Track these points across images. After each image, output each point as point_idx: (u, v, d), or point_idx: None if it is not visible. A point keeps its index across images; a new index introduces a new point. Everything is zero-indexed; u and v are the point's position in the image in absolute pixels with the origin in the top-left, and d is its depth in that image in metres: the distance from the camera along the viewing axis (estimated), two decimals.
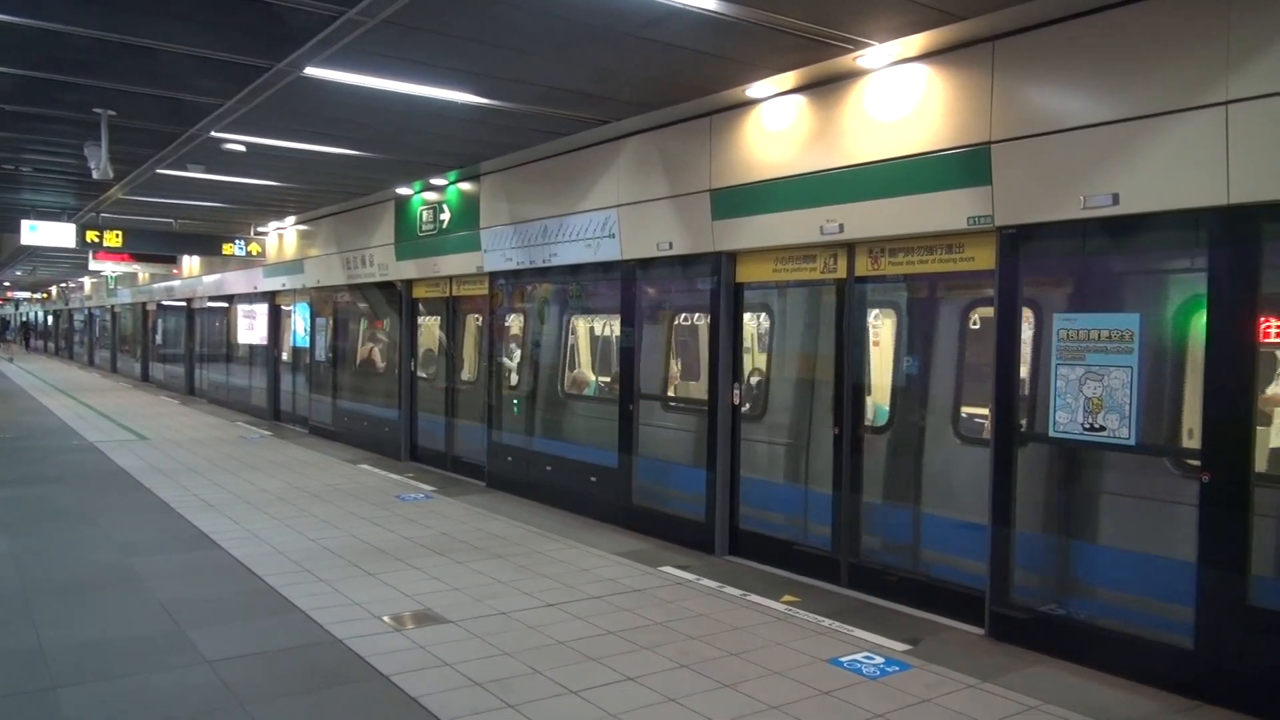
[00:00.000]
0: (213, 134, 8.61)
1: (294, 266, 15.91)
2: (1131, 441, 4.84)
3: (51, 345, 50.66)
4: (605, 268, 8.71)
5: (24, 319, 59.38)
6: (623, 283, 8.51)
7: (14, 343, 42.59)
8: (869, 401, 6.54)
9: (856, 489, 6.50)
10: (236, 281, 18.89)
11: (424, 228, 11.70)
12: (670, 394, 8.47)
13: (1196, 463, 4.60)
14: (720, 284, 7.41)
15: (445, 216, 11.20)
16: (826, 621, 5.73)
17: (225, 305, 20.25)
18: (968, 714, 4.41)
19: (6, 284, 43.77)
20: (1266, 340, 4.44)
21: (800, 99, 6.63)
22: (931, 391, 6.30)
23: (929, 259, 6.01)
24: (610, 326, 9.04)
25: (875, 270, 6.35)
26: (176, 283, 23.35)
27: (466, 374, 11.66)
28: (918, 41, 5.56)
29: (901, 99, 5.93)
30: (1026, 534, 5.40)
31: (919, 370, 6.36)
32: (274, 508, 8.95)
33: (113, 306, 32.07)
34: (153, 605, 5.85)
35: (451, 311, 11.75)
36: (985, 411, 5.72)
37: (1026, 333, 5.45)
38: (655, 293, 8.44)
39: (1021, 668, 5.01)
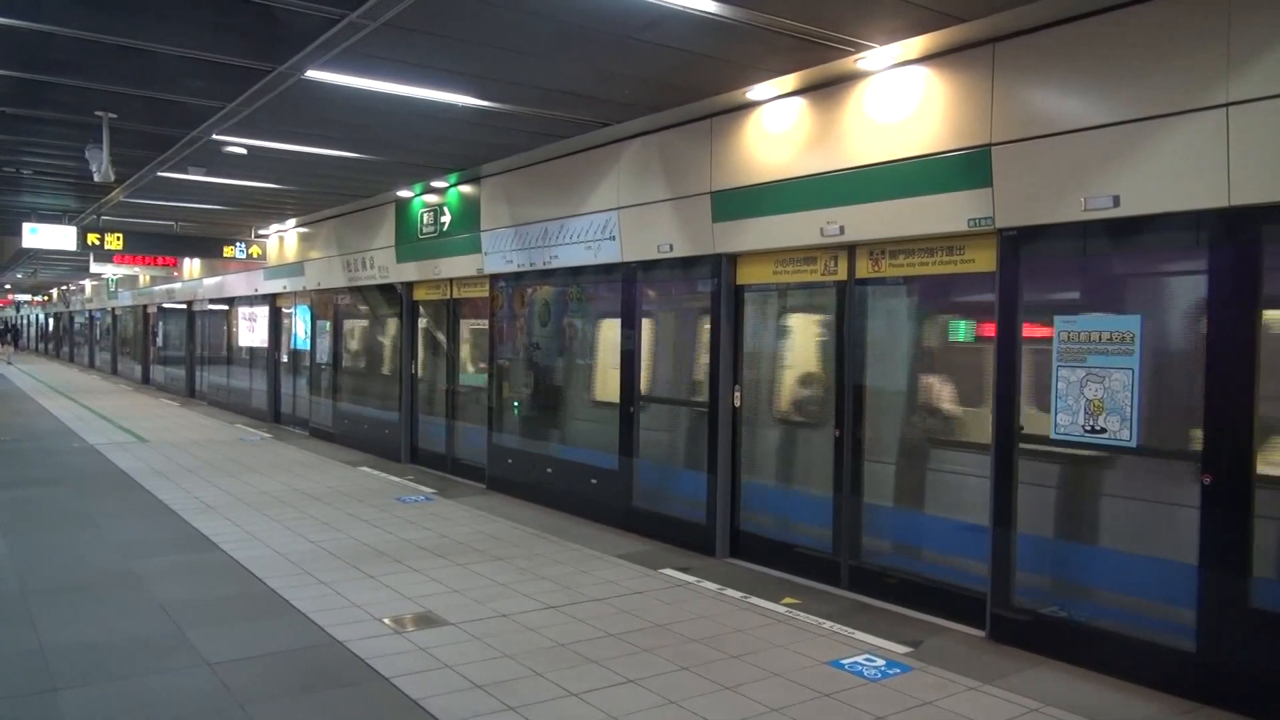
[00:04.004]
0: (214, 137, 8.61)
1: (294, 269, 15.92)
2: (1132, 443, 4.84)
3: (50, 347, 50.67)
4: (606, 270, 8.71)
5: (12, 322, 59.25)
6: (623, 284, 8.51)
7: (7, 345, 42.48)
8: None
9: (857, 491, 6.49)
10: (237, 284, 18.90)
11: (424, 230, 11.71)
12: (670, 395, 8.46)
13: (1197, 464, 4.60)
14: (721, 286, 7.41)
15: (446, 219, 11.21)
16: (827, 624, 5.73)
17: (226, 308, 20.26)
18: (969, 716, 4.40)
19: (7, 287, 43.80)
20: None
21: (801, 101, 6.64)
22: None
23: (929, 261, 6.02)
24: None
25: (876, 272, 6.35)
26: (177, 285, 23.37)
27: (467, 375, 11.66)
28: (918, 44, 5.56)
29: (902, 101, 5.93)
30: (1027, 536, 5.40)
31: None
32: (274, 510, 8.95)
33: (113, 309, 32.10)
34: (152, 607, 5.85)
35: (452, 314, 11.76)
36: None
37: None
38: (656, 294, 8.45)
39: (1022, 670, 5.01)
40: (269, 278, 17.08)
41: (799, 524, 7.06)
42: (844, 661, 5.07)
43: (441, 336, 12.14)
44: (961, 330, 6.20)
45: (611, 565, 7.12)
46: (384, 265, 12.80)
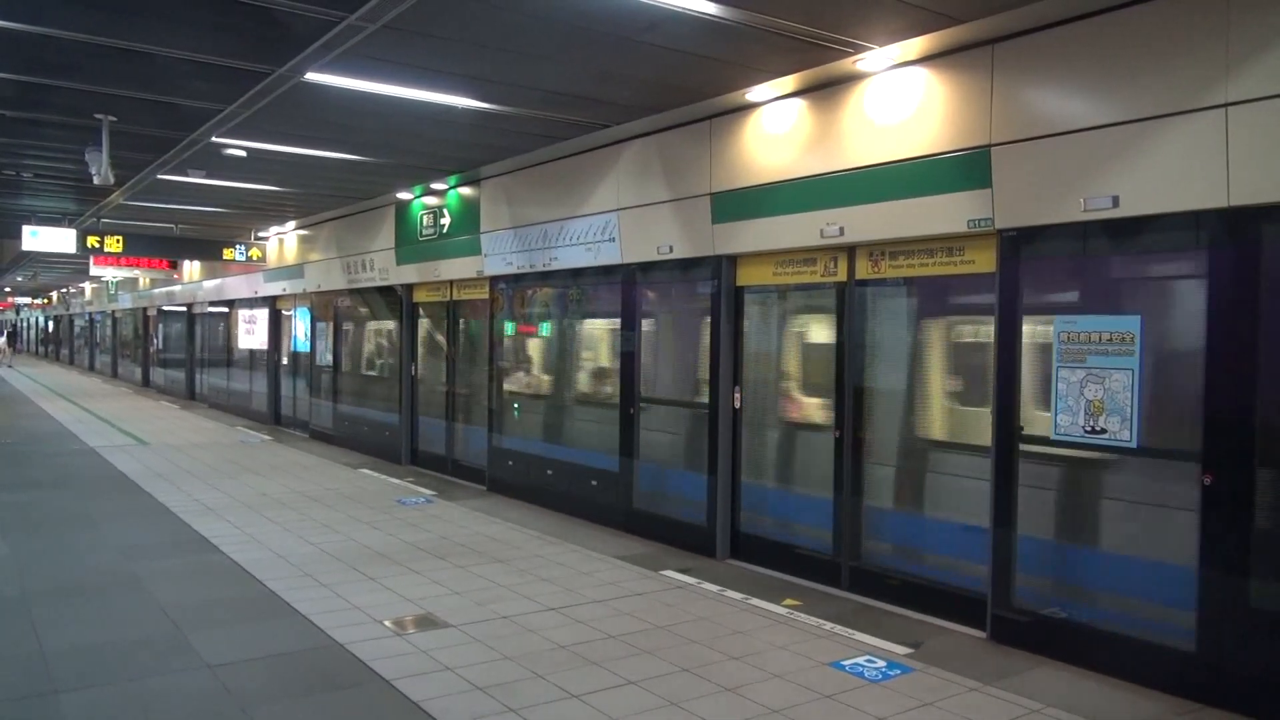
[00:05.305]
0: (213, 139, 8.62)
1: (294, 271, 15.93)
2: (1133, 444, 4.84)
3: (50, 350, 50.63)
4: (605, 271, 8.71)
5: (11, 326, 59.33)
6: (623, 286, 8.51)
7: (7, 348, 42.32)
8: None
9: (857, 492, 6.49)
10: (237, 286, 18.90)
11: (424, 232, 11.71)
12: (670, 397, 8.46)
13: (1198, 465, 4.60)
14: (721, 287, 7.41)
15: (445, 220, 11.21)
16: (828, 625, 5.73)
17: (226, 310, 20.26)
18: (970, 717, 4.40)
19: (7, 290, 43.78)
20: None
21: (800, 102, 6.64)
22: None
23: (929, 261, 6.02)
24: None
25: (876, 273, 6.35)
26: (177, 288, 23.37)
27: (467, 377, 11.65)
28: (917, 45, 5.56)
29: (901, 102, 5.93)
30: (1028, 537, 5.39)
31: None
32: (274, 512, 8.95)
33: (113, 311, 32.10)
34: (153, 609, 5.84)
35: (452, 315, 11.76)
36: None
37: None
38: (656, 296, 8.45)
39: (1023, 670, 5.01)
40: (269, 280, 17.08)
41: (799, 525, 7.06)
42: (845, 663, 5.07)
43: (441, 338, 12.14)
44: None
45: (612, 567, 7.12)
46: (384, 267, 12.80)
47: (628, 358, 8.46)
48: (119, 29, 5.72)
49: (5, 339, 42.81)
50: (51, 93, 7.26)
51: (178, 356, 24.25)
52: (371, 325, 14.05)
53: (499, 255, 10.14)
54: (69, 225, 14.65)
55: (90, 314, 37.59)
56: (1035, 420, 5.34)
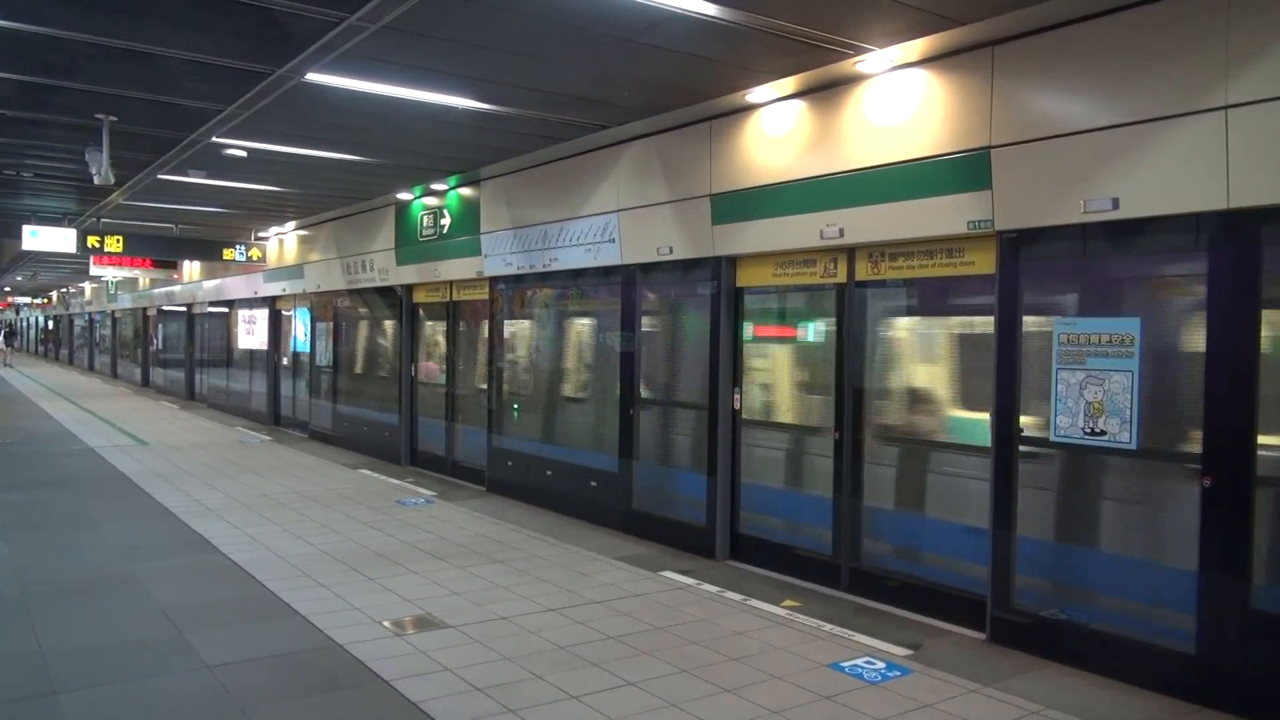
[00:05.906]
0: (214, 139, 8.62)
1: (294, 271, 15.93)
2: (1132, 446, 4.84)
3: (50, 349, 50.62)
4: (605, 272, 8.72)
5: (10, 326, 59.30)
6: (623, 287, 8.51)
7: (6, 348, 42.19)
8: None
9: (857, 493, 6.49)
10: (237, 286, 18.90)
11: (424, 232, 11.71)
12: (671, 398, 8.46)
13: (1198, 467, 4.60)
14: (720, 288, 7.41)
15: (445, 221, 11.21)
16: (827, 626, 5.73)
17: (225, 310, 20.26)
18: (969, 719, 4.40)
19: (7, 289, 43.76)
20: None
21: (800, 104, 6.64)
22: None
23: (929, 263, 6.02)
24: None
25: (875, 274, 6.36)
26: (176, 288, 23.37)
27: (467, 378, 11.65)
28: (917, 46, 5.57)
29: (901, 104, 5.93)
30: (1027, 538, 5.39)
31: None
32: (274, 512, 8.95)
33: (113, 311, 32.10)
34: (153, 610, 5.84)
35: (452, 316, 11.76)
36: None
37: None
38: (655, 296, 8.44)
39: (1023, 672, 5.00)
40: (269, 280, 17.09)
41: (799, 526, 7.06)
42: (844, 664, 5.07)
43: (441, 339, 12.14)
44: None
45: (611, 568, 7.12)
46: (384, 268, 12.80)
47: (627, 358, 8.46)
48: (119, 29, 5.72)
49: (4, 339, 42.76)
50: (52, 93, 7.27)
51: (177, 357, 24.24)
52: (371, 326, 14.05)
53: (499, 256, 10.15)
54: (69, 225, 14.64)
55: (90, 314, 37.59)
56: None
